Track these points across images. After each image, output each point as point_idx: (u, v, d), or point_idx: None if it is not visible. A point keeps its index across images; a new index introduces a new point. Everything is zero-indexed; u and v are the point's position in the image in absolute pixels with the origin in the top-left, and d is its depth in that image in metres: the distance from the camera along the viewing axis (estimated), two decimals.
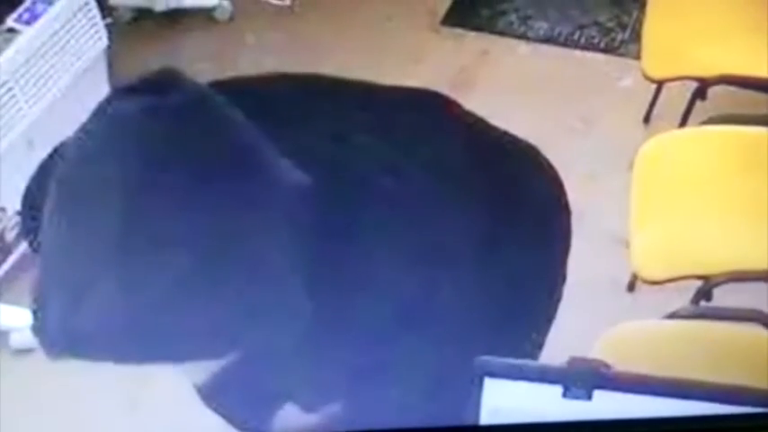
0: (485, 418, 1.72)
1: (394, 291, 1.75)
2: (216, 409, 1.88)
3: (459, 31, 3.76)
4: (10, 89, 2.94)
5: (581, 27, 3.75)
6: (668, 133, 2.88)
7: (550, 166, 2.06)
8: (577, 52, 3.68)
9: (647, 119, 3.35)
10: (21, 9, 3.00)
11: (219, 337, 1.64)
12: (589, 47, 3.69)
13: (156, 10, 3.76)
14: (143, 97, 1.64)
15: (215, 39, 3.75)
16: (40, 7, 3.01)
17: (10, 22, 2.98)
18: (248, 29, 3.77)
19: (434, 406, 1.81)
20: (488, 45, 3.71)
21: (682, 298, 2.57)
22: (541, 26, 3.76)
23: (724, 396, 1.69)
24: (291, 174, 1.68)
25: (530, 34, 3.74)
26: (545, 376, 1.72)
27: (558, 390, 1.71)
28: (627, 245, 2.64)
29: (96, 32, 3.13)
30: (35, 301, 1.68)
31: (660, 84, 3.19)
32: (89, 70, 3.13)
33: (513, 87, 3.51)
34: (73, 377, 2.45)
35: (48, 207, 1.68)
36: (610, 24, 3.75)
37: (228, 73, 1.97)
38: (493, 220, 1.88)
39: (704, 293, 2.56)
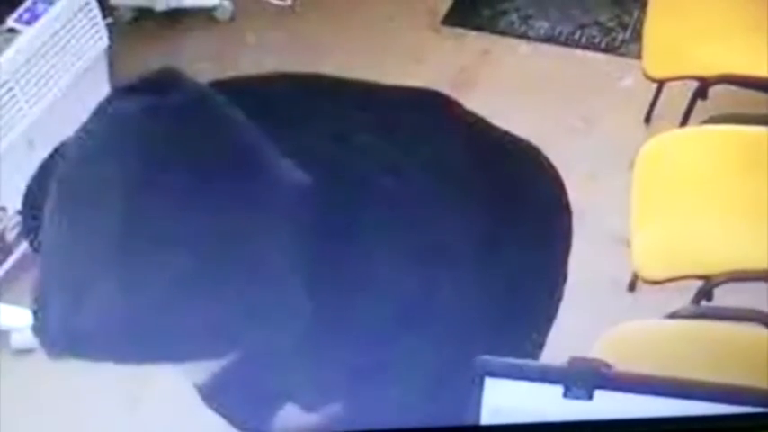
0: (485, 418, 1.72)
1: (394, 290, 1.74)
2: (216, 409, 1.88)
3: (459, 30, 3.76)
4: (10, 89, 2.94)
5: (582, 27, 3.75)
6: (669, 133, 2.88)
7: (551, 166, 2.06)
8: (578, 52, 3.68)
9: (647, 118, 3.35)
10: (21, 9, 3.00)
11: (220, 337, 1.64)
12: (590, 46, 3.69)
13: (156, 10, 3.77)
14: (143, 97, 1.64)
15: (216, 38, 3.75)
16: (40, 7, 3.01)
17: (10, 22, 2.98)
18: (249, 28, 3.77)
19: (435, 406, 1.81)
20: (489, 45, 3.71)
21: (682, 298, 2.57)
22: (542, 26, 3.76)
23: (724, 396, 1.69)
24: (292, 173, 1.68)
25: (530, 34, 3.74)
26: (546, 376, 1.72)
27: (558, 389, 1.71)
28: (628, 244, 2.64)
29: (97, 32, 3.13)
30: (35, 300, 1.68)
31: (661, 83, 3.19)
32: (90, 70, 3.13)
33: (513, 87, 3.51)
34: (73, 377, 2.46)
35: (48, 207, 1.68)
36: (611, 24, 3.76)
37: (229, 73, 1.97)
38: (493, 219, 1.88)
39: (705, 293, 2.56)
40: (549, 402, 1.70)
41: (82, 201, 1.64)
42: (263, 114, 1.69)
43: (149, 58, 3.39)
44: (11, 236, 3.01)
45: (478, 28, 3.76)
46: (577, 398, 1.70)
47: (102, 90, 3.01)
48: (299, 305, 1.67)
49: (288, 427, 1.84)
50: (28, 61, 2.97)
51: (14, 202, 2.77)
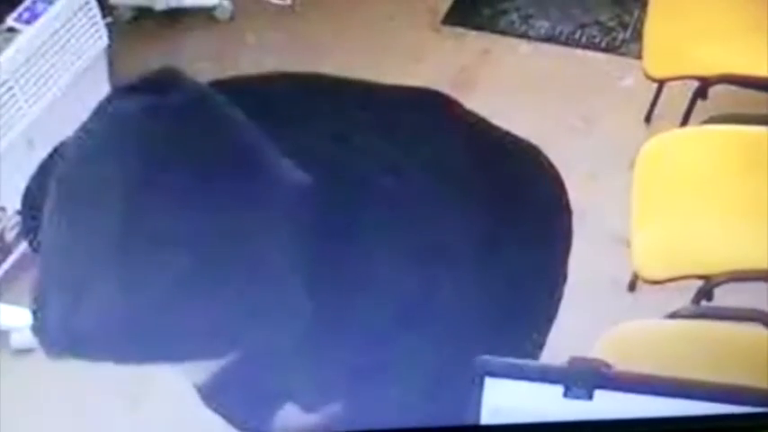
0: (485, 418, 1.72)
1: (394, 290, 1.74)
2: (216, 409, 1.88)
3: (460, 30, 3.76)
4: (10, 88, 2.94)
5: (582, 26, 3.75)
6: (669, 133, 2.88)
7: (551, 166, 2.06)
8: (579, 51, 3.68)
9: (648, 118, 3.35)
10: (21, 8, 3.00)
11: (219, 337, 1.64)
12: (590, 46, 3.69)
13: (156, 9, 3.76)
14: (143, 96, 1.64)
15: (215, 38, 3.75)
16: (40, 6, 3.01)
17: (10, 21, 2.98)
18: (249, 28, 3.77)
19: (435, 406, 1.80)
20: (489, 44, 3.71)
21: (683, 298, 2.57)
22: (543, 25, 3.76)
23: (725, 396, 1.69)
24: (292, 173, 1.67)
25: (531, 33, 3.74)
26: (546, 376, 1.72)
27: (558, 389, 1.71)
28: (628, 244, 2.64)
29: (97, 31, 3.13)
30: (35, 300, 1.68)
31: (661, 83, 3.19)
32: (89, 69, 3.13)
33: (514, 87, 3.51)
34: (73, 377, 2.46)
35: (48, 206, 1.67)
36: (611, 23, 3.75)
37: (229, 72, 1.97)
38: (494, 219, 1.87)
39: (705, 293, 2.56)
40: (549, 402, 1.70)
41: (81, 200, 1.64)
42: (263, 114, 1.69)
43: (149, 58, 3.39)
44: (10, 236, 3.01)
45: (479, 27, 3.76)
46: (577, 398, 1.70)
47: (102, 89, 3.01)
48: (299, 305, 1.67)
49: (288, 427, 1.84)
50: (27, 60, 2.97)
51: (14, 202, 2.77)
